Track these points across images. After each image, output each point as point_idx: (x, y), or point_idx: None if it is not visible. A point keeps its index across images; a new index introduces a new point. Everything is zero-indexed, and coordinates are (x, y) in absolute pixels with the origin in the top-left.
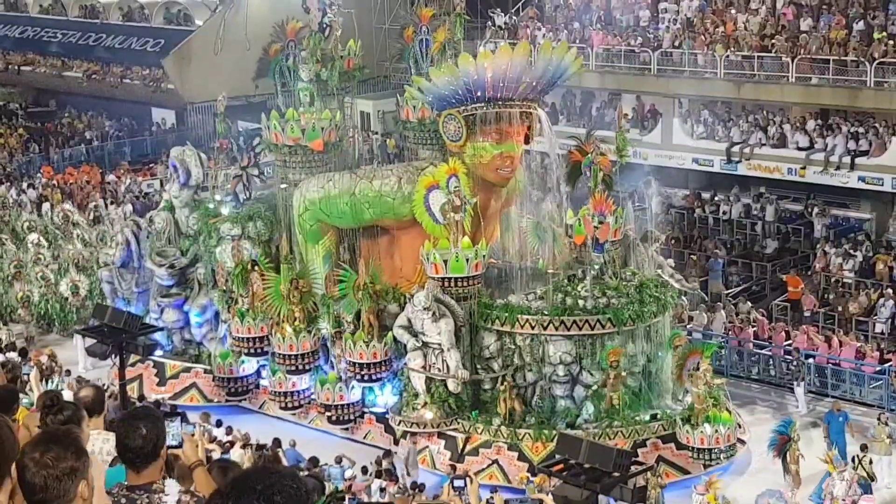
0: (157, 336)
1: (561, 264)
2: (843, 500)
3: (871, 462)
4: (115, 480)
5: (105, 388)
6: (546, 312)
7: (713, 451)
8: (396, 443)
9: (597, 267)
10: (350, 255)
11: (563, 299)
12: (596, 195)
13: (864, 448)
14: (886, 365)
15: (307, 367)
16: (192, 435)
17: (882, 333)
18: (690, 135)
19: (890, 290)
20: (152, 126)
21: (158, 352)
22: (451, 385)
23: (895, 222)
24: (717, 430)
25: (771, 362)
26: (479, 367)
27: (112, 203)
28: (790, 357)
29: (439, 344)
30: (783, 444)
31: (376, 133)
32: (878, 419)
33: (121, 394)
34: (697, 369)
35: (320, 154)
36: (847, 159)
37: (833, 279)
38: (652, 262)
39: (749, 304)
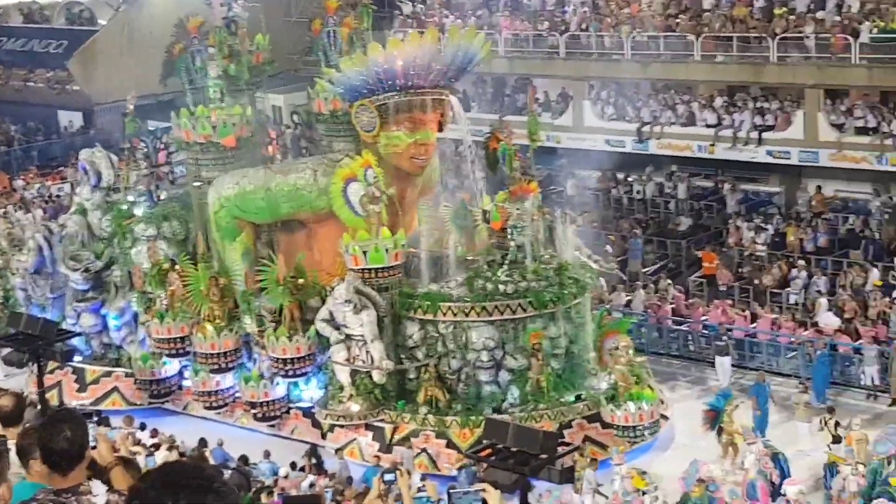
0: (75, 341)
1: (480, 251)
2: (754, 472)
3: (836, 425)
4: (19, 497)
5: (24, 396)
6: (467, 299)
7: (637, 429)
8: (324, 437)
9: (515, 251)
10: (268, 251)
11: (483, 285)
12: (513, 180)
13: (831, 411)
14: (801, 333)
15: (230, 366)
16: (106, 434)
17: (796, 304)
18: (601, 116)
19: (802, 262)
20: (60, 129)
21: (77, 357)
22: (376, 376)
23: (803, 194)
24: (640, 408)
25: (690, 338)
26: (403, 356)
27: (21, 209)
28: (707, 332)
29: (362, 336)
30: (713, 419)
31: (289, 127)
32: (798, 387)
33: (41, 401)
34: (617, 347)
35: (233, 150)
36: (754, 135)
37: (747, 253)
38: (570, 245)
39: (668, 281)
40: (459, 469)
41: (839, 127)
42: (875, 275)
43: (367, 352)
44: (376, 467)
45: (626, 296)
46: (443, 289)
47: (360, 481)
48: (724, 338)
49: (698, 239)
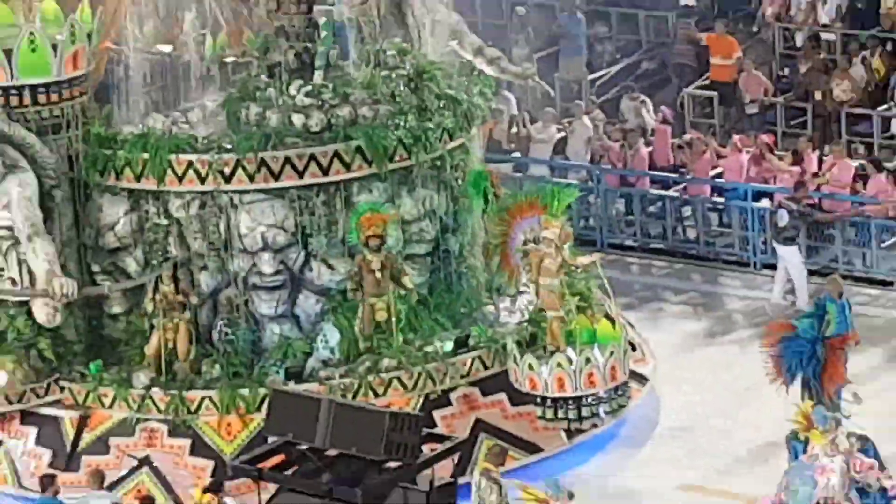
0: None
1: (252, 44)
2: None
3: None
4: None
5: None
6: (227, 145)
7: (584, 404)
8: None
9: (325, 39)
10: None
11: (261, 116)
12: None
13: None
14: None
15: None
16: None
17: None
18: None
19: None
20: None
21: None
22: (41, 312)
23: None
24: (588, 360)
25: (688, 213)
26: (95, 269)
27: None
28: (724, 200)
29: (9, 229)
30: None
31: None
32: None
33: None
34: (538, 241)
35: None
36: None
37: (802, 35)
38: (440, 27)
39: (641, 97)
40: None
41: None
42: None
43: (21, 261)
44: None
45: (558, 130)
46: (175, 125)
47: None
48: (788, 207)
49: (700, 10)
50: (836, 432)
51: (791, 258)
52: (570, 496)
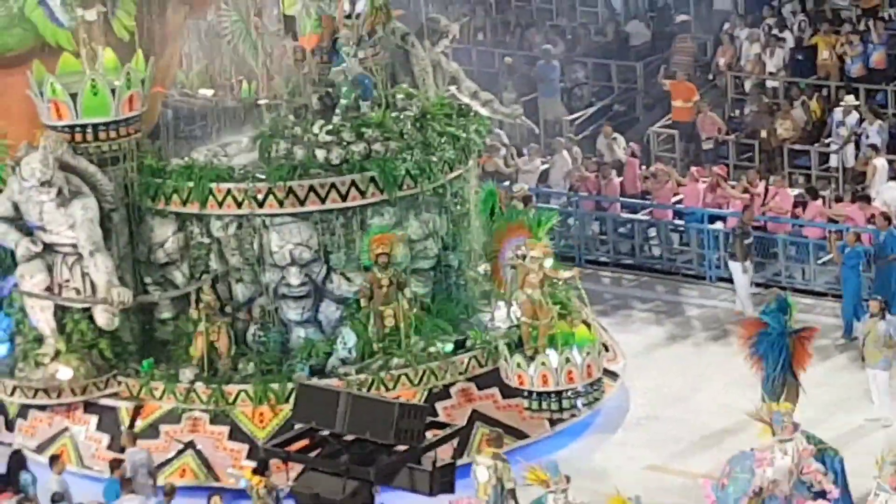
0: None
1: (281, 89)
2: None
3: None
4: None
5: None
6: (260, 175)
7: (564, 397)
8: (9, 427)
9: (349, 88)
10: None
11: (289, 151)
12: None
13: None
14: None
15: None
16: None
17: (836, 170)
18: None
19: (847, 96)
20: None
21: None
22: (102, 318)
23: None
24: (567, 360)
25: (653, 234)
26: (148, 280)
27: None
28: (684, 223)
29: (74, 246)
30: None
31: None
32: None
33: None
34: (524, 257)
35: None
36: None
37: (750, 82)
38: (443, 74)
39: (613, 134)
40: None
41: None
42: None
43: (84, 274)
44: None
45: (542, 163)
46: (216, 158)
47: None
48: (737, 229)
49: (664, 59)
50: (791, 434)
51: (733, 272)
52: (567, 479)
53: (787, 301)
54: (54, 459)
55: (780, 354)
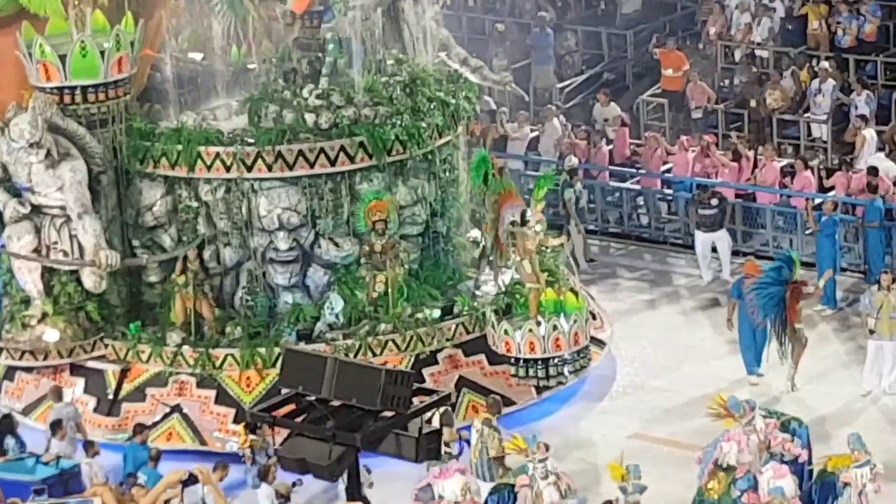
0: None
1: (271, 53)
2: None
3: None
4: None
5: None
6: (249, 139)
7: (551, 364)
8: None
9: (335, 52)
10: None
11: (278, 114)
12: None
13: None
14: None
15: None
16: None
17: (821, 141)
18: None
19: (828, 64)
20: None
21: None
22: (89, 280)
23: None
24: (555, 327)
25: (641, 202)
26: (136, 243)
27: None
28: (672, 191)
29: (62, 208)
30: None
31: None
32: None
33: None
34: (524, 223)
35: None
36: None
37: (739, 52)
38: (431, 39)
39: (610, 102)
40: None
41: None
42: None
43: (72, 236)
44: (142, 447)
45: (532, 129)
46: (205, 121)
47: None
48: (714, 199)
49: (654, 28)
50: (751, 415)
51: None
52: (546, 447)
53: (791, 257)
54: (56, 425)
55: (777, 306)
